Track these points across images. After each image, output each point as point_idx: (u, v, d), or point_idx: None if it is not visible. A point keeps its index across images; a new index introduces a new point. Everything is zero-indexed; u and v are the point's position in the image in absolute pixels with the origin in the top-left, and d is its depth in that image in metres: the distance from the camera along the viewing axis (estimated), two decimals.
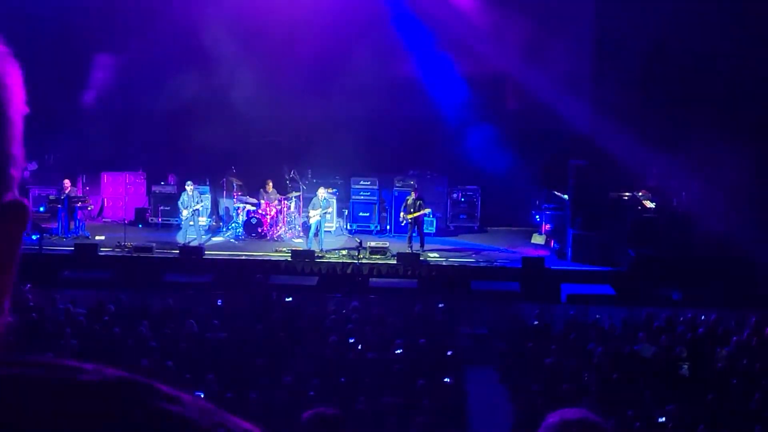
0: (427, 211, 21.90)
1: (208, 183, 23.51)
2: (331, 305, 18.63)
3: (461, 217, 24.06)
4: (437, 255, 21.24)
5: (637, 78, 22.86)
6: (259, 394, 13.63)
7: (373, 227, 23.45)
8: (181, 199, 22.00)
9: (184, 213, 21.87)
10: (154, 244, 21.01)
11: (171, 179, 24.31)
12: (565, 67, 23.04)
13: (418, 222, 21.38)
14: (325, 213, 21.60)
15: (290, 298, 18.34)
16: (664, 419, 13.14)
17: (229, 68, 23.39)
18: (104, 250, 20.74)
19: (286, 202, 22.69)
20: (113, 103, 23.84)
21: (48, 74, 24.81)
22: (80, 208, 22.24)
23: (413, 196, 21.50)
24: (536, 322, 17.79)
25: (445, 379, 14.82)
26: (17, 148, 1.14)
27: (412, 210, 21.26)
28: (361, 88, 23.07)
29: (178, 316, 17.26)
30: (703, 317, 17.78)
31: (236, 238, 22.44)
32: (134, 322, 16.68)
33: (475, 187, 24.07)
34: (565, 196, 22.60)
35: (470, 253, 21.60)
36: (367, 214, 23.51)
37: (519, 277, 20.00)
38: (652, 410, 13.53)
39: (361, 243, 20.58)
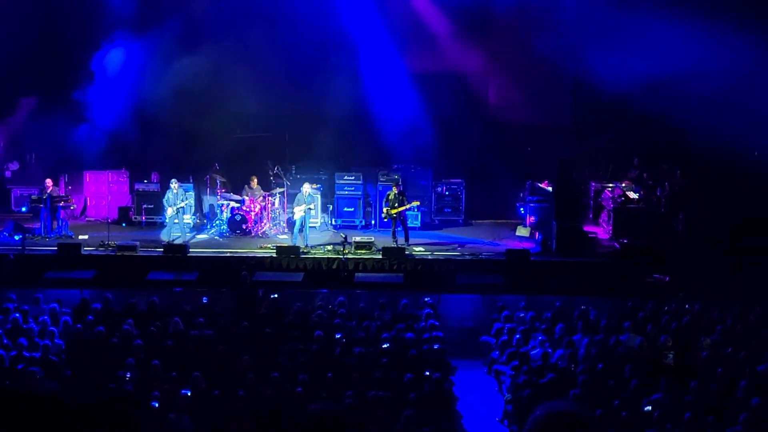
0: (416, 203, 21.93)
1: (191, 180, 23.44)
2: (317, 301, 18.64)
3: (446, 210, 24.09)
4: (422, 249, 21.24)
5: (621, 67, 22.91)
6: (246, 390, 13.61)
7: (358, 222, 23.46)
8: (165, 196, 21.93)
9: (169, 211, 21.80)
10: (138, 243, 20.92)
11: (154, 177, 24.23)
12: (548, 60, 23.06)
13: (401, 216, 21.37)
14: (310, 209, 21.58)
15: (276, 295, 18.32)
16: (650, 408, 13.19)
17: (213, 65, 23.32)
18: (88, 250, 20.63)
19: (270, 198, 22.64)
20: (96, 101, 23.72)
21: (29, 73, 24.78)
22: (63, 207, 22.12)
23: (395, 190, 21.47)
24: (522, 314, 17.83)
25: (428, 373, 14.81)
26: None
27: (395, 205, 21.25)
28: (344, 83, 23.07)
29: (164, 314, 17.22)
30: (687, 306, 17.87)
31: (221, 235, 22.39)
32: (119, 321, 16.63)
33: (459, 180, 24.11)
34: (549, 188, 22.67)
35: (455, 246, 21.62)
36: (352, 209, 23.51)
37: (504, 270, 20.04)
38: (638, 399, 13.59)
39: (346, 238, 20.56)
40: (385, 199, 21.63)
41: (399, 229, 21.40)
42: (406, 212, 21.73)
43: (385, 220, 21.74)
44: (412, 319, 17.43)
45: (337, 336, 16.17)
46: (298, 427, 3.19)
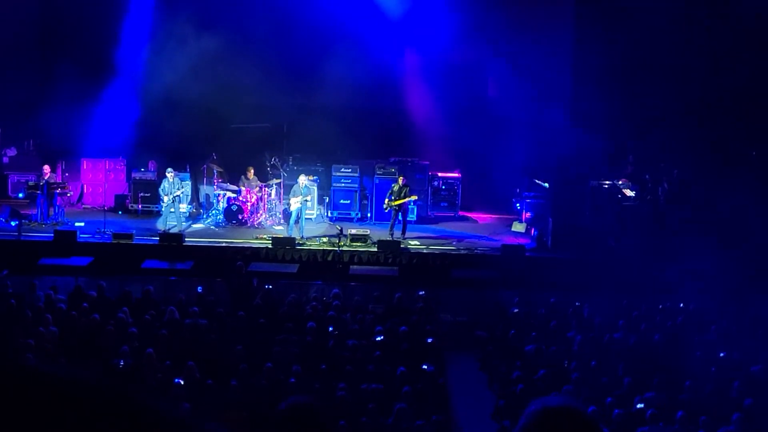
0: (413, 198, 21.94)
1: (188, 170, 23.42)
2: (312, 292, 18.63)
3: (442, 204, 24.10)
4: (418, 243, 21.25)
5: (617, 66, 22.90)
6: (239, 381, 13.61)
7: (353, 215, 23.46)
8: (162, 185, 21.90)
9: (165, 200, 21.77)
10: (134, 231, 20.90)
11: (151, 166, 24.20)
12: (546, 55, 23.02)
13: (402, 209, 21.37)
14: (306, 200, 21.57)
15: (270, 286, 18.31)
16: (642, 406, 13.21)
17: (212, 55, 23.27)
18: (84, 237, 20.62)
19: (266, 189, 22.63)
20: (95, 89, 23.67)
21: (29, 61, 24.71)
22: (60, 194, 22.10)
23: (400, 182, 21.50)
24: (516, 310, 17.83)
25: (424, 366, 14.82)
26: None
27: (398, 197, 21.24)
28: (342, 75, 23.03)
29: (159, 303, 17.20)
30: (682, 305, 17.87)
31: (216, 225, 22.38)
32: (114, 309, 16.61)
33: (456, 174, 24.12)
34: (546, 185, 22.65)
35: (451, 240, 21.63)
36: (348, 202, 23.50)
37: (499, 265, 20.03)
38: (631, 397, 13.60)
39: (341, 230, 20.56)
40: (389, 191, 21.61)
41: (398, 221, 21.39)
42: (408, 205, 21.74)
43: (386, 210, 21.74)
44: (407, 312, 17.42)
45: (331, 328, 16.16)
46: (272, 422, 3.16)
